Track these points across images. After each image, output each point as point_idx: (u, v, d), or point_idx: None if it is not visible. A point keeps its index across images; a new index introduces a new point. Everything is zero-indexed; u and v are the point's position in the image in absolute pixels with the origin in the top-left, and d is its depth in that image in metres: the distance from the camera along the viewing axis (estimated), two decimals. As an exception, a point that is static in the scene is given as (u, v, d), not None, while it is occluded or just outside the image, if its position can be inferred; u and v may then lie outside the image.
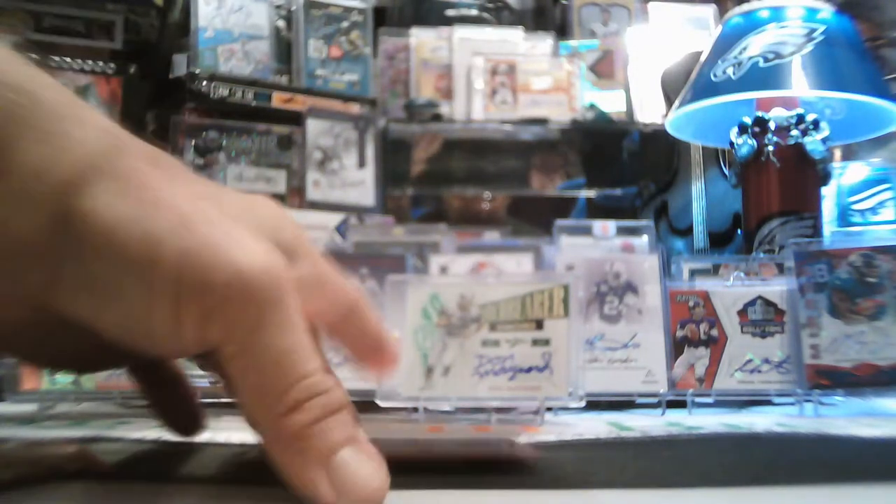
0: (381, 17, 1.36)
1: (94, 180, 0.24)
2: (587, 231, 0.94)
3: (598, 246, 0.89)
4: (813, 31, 0.77)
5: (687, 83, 0.85)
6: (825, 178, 0.79)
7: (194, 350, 0.25)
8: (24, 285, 0.25)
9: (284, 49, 1.27)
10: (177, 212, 0.25)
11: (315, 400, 0.25)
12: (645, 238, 0.89)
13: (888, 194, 0.98)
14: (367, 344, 0.32)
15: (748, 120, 0.79)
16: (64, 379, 0.59)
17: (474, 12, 1.43)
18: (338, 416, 0.25)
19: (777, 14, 0.80)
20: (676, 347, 0.58)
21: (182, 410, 0.37)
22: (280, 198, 1.16)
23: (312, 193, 1.17)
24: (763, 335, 0.57)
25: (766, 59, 0.77)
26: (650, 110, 1.31)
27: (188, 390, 0.37)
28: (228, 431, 0.43)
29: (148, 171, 0.26)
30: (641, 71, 1.34)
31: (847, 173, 1.00)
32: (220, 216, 0.26)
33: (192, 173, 0.28)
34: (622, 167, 1.40)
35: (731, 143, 0.80)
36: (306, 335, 0.25)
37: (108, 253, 0.24)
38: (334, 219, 1.09)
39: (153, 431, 0.38)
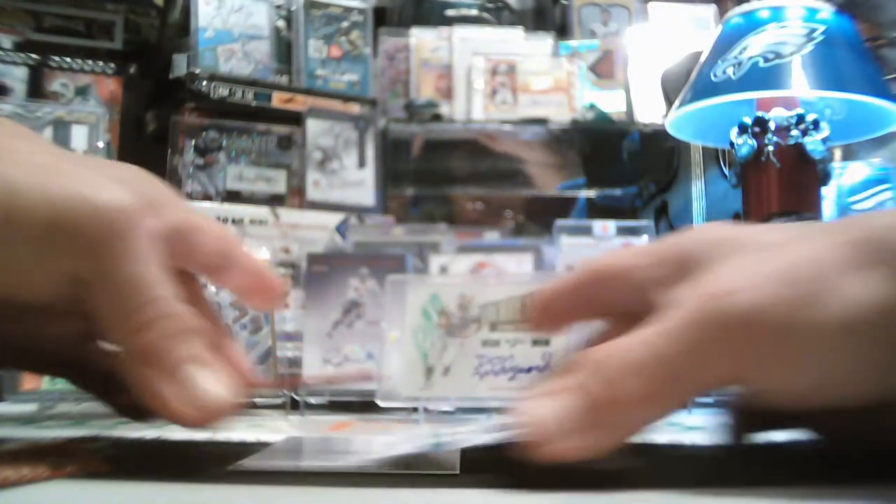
0: (381, 17, 1.35)
1: None
2: (587, 231, 0.94)
3: (598, 246, 0.89)
4: (813, 31, 0.77)
5: (687, 83, 0.85)
6: (825, 178, 0.79)
7: (59, 287, 0.28)
8: None
9: (284, 49, 1.27)
10: (36, 165, 0.28)
11: (163, 320, 0.27)
12: (645, 238, 0.89)
13: (888, 194, 0.98)
14: (248, 280, 0.34)
15: (748, 120, 0.79)
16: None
17: (474, 12, 1.42)
18: (186, 336, 0.28)
19: (777, 14, 0.80)
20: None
21: (128, 401, 0.38)
22: (280, 198, 1.16)
23: (312, 193, 1.17)
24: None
25: (766, 59, 0.77)
26: (650, 110, 1.31)
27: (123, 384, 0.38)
28: (228, 431, 0.43)
29: (8, 140, 0.29)
30: (641, 71, 1.34)
31: (847, 173, 1.00)
32: (78, 167, 0.29)
33: (54, 145, 0.31)
34: (622, 167, 1.40)
35: (731, 143, 0.80)
36: (157, 267, 0.28)
37: None
38: (334, 219, 1.09)
39: (153, 431, 0.38)
